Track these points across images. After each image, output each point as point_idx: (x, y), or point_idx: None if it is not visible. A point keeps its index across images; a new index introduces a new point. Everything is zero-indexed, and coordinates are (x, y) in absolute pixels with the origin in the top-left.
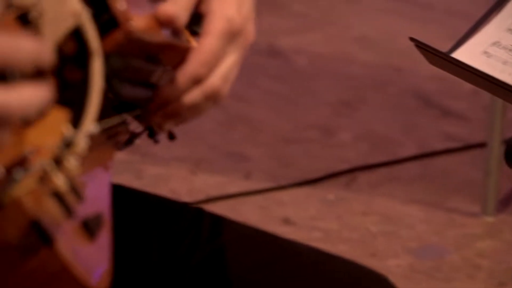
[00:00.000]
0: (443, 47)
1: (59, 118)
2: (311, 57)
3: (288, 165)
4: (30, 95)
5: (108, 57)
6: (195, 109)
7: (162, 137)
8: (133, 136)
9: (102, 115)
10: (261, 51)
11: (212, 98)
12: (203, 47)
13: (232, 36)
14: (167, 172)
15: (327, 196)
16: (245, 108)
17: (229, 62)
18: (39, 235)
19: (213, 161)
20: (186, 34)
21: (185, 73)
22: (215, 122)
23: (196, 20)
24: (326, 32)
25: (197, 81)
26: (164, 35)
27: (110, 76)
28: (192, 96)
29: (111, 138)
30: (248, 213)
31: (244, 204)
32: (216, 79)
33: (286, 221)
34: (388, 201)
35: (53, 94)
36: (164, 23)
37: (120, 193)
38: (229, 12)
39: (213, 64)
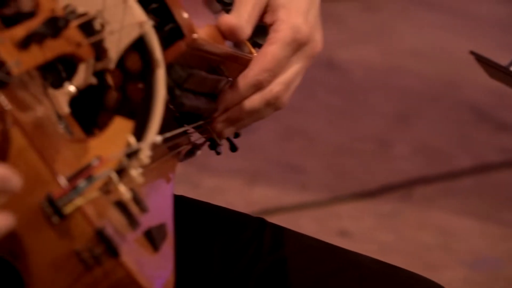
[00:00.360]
0: (498, 61)
1: (123, 128)
2: (367, 70)
3: (344, 177)
4: None
5: (171, 67)
6: (255, 115)
7: (223, 148)
8: (195, 148)
9: (164, 126)
10: (318, 64)
11: (273, 104)
12: (266, 54)
13: (298, 45)
14: (224, 184)
15: (383, 208)
16: (302, 120)
17: (294, 70)
18: (105, 245)
19: (269, 173)
20: (249, 46)
21: (246, 78)
22: (271, 133)
23: (260, 32)
24: (381, 45)
25: (258, 87)
26: (226, 46)
27: (172, 87)
28: (253, 101)
29: (173, 150)
30: (304, 225)
31: (300, 216)
32: (278, 85)
33: (342, 233)
34: (444, 214)
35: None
36: (227, 34)
37: (182, 204)
38: (296, 21)
39: (276, 72)
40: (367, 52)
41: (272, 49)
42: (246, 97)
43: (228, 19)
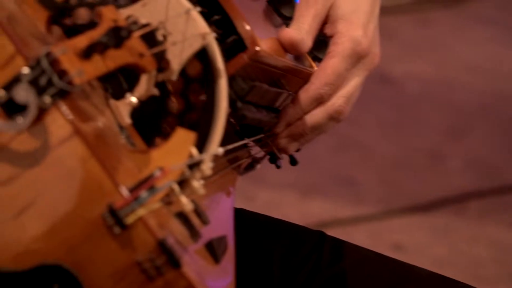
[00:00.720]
0: None
1: (185, 140)
2: (420, 84)
3: (398, 190)
4: None
5: (232, 79)
6: (318, 129)
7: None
8: (254, 161)
9: (224, 139)
10: (372, 77)
11: (335, 118)
12: (327, 67)
13: (357, 57)
14: (279, 197)
15: (436, 222)
16: (356, 133)
17: (354, 83)
18: (167, 256)
19: (324, 186)
20: (309, 60)
21: (307, 92)
22: (326, 146)
23: (319, 46)
24: (435, 59)
25: (319, 100)
26: (287, 60)
27: (234, 99)
28: (316, 116)
29: (233, 163)
30: (358, 238)
31: (355, 230)
32: (340, 99)
33: (396, 247)
34: (497, 228)
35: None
36: (288, 47)
37: (241, 217)
38: (355, 33)
39: (336, 85)
40: (420, 66)
41: (332, 62)
42: (308, 111)
43: (289, 33)
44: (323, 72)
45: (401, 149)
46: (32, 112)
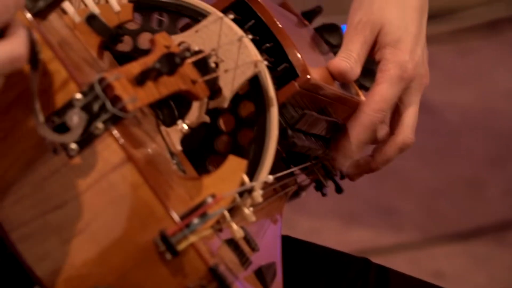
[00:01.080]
0: None
1: (237, 167)
2: (461, 112)
3: (439, 218)
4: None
5: (283, 107)
6: (388, 162)
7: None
8: (300, 189)
9: (272, 166)
10: None
11: (404, 149)
12: (376, 94)
13: (405, 82)
14: (319, 225)
15: (477, 250)
16: (396, 161)
17: (414, 110)
18: (218, 282)
19: (364, 214)
20: (355, 88)
21: (359, 121)
22: (365, 175)
23: (365, 74)
24: (476, 88)
25: (372, 128)
26: (336, 88)
27: (284, 127)
28: (389, 153)
29: (280, 190)
30: (399, 265)
31: (395, 257)
32: (407, 130)
33: (437, 275)
34: None
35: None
36: (337, 77)
37: (287, 243)
38: (401, 59)
39: (386, 111)
40: (460, 94)
41: (380, 89)
42: (362, 140)
43: (339, 63)
44: (372, 100)
45: (441, 177)
46: (85, 138)
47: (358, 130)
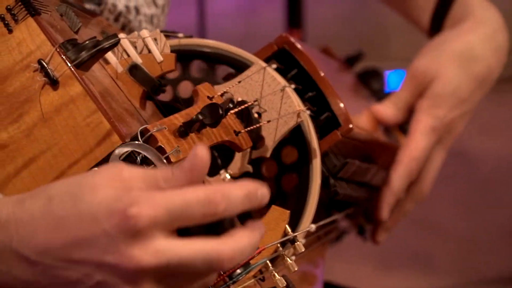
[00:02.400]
0: None
1: (279, 217)
2: (496, 162)
3: (473, 266)
4: (244, 244)
5: (325, 156)
6: (406, 213)
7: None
8: (342, 234)
9: (315, 214)
10: (449, 154)
11: (420, 202)
12: (411, 144)
13: (438, 135)
14: (354, 270)
15: None
16: (430, 209)
17: (437, 165)
18: None
19: (398, 261)
20: (397, 133)
21: (398, 171)
22: (401, 223)
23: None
24: (510, 137)
25: (410, 177)
26: (378, 134)
27: (326, 176)
28: (407, 208)
29: (322, 237)
30: None
31: None
32: (427, 186)
33: None
34: None
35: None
36: (380, 121)
37: None
38: (437, 112)
39: (422, 160)
40: (497, 144)
41: (414, 138)
42: (400, 188)
43: (384, 110)
44: (408, 150)
45: (476, 225)
46: None
47: (398, 181)
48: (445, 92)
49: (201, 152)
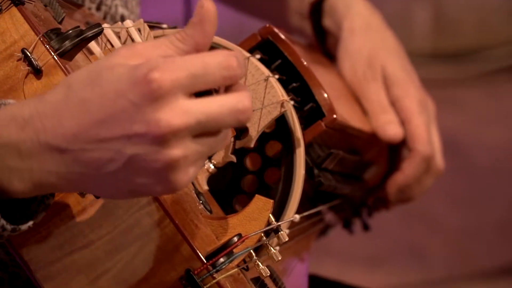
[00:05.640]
0: None
1: (263, 207)
2: (490, 154)
3: (466, 260)
4: (234, 101)
5: (309, 146)
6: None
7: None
8: (328, 227)
9: (299, 205)
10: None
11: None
12: (416, 130)
13: (425, 108)
14: (347, 263)
15: None
16: (423, 203)
17: (436, 134)
18: None
19: (392, 254)
20: None
21: (414, 160)
22: (392, 216)
23: None
24: (503, 128)
25: (427, 160)
26: (363, 126)
27: (310, 166)
28: (427, 182)
29: (307, 229)
30: None
31: None
32: (440, 156)
33: None
34: None
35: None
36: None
37: (313, 282)
38: (411, 91)
39: (430, 139)
40: (490, 136)
41: (414, 125)
42: (419, 174)
43: (391, 131)
44: (416, 137)
45: (470, 218)
46: None
47: (413, 166)
48: (399, 71)
49: (206, 3)
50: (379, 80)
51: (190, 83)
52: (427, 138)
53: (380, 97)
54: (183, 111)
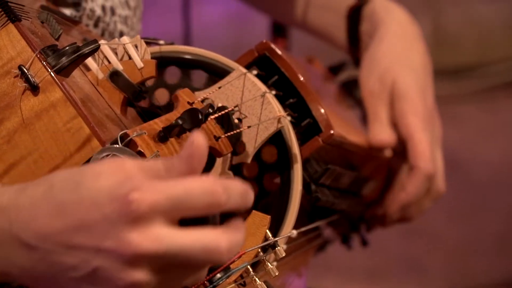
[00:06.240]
0: None
1: (260, 223)
2: (488, 168)
3: (465, 274)
4: (239, 238)
5: (307, 162)
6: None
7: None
8: (326, 242)
9: (297, 220)
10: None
11: (437, 198)
12: (417, 147)
13: (431, 125)
14: (343, 281)
15: None
16: (424, 217)
17: (440, 157)
18: None
19: (389, 270)
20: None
21: (417, 176)
22: (391, 231)
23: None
24: (502, 143)
25: (429, 177)
26: (360, 142)
27: (308, 182)
28: (425, 204)
29: (305, 244)
30: None
31: None
32: (442, 179)
33: None
34: None
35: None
36: (381, 148)
37: None
38: (418, 108)
39: (433, 156)
40: (489, 151)
41: (417, 141)
42: (421, 192)
43: (380, 139)
44: (419, 154)
45: (469, 233)
46: None
47: (415, 184)
48: (410, 88)
49: (197, 139)
50: (384, 95)
51: (170, 208)
52: (429, 155)
53: (379, 111)
54: (155, 237)
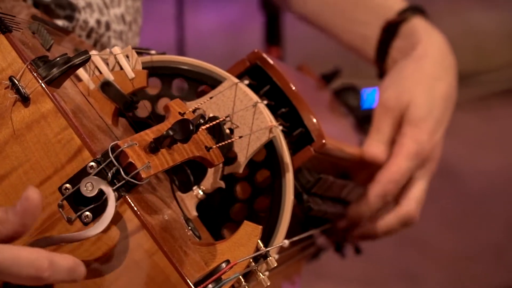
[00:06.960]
0: None
1: (252, 233)
2: (484, 178)
3: (462, 285)
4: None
5: (298, 172)
6: (390, 233)
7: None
8: (320, 250)
9: (290, 230)
10: (436, 173)
11: (407, 224)
12: (391, 166)
13: (421, 160)
14: None
15: None
16: (418, 227)
17: (422, 187)
18: None
19: (384, 280)
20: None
21: (373, 190)
22: (387, 240)
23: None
24: (498, 153)
25: (384, 198)
26: (352, 151)
27: (300, 191)
28: (389, 221)
29: (298, 253)
30: None
31: None
32: (412, 203)
33: None
34: None
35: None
36: (372, 162)
37: None
38: (420, 137)
39: (400, 183)
40: (485, 161)
41: (397, 161)
42: (373, 209)
43: (374, 152)
44: (388, 171)
45: (464, 243)
46: (109, 211)
47: (372, 199)
48: (422, 115)
49: (32, 195)
50: (395, 113)
51: None
52: (395, 178)
53: (384, 126)
54: None
